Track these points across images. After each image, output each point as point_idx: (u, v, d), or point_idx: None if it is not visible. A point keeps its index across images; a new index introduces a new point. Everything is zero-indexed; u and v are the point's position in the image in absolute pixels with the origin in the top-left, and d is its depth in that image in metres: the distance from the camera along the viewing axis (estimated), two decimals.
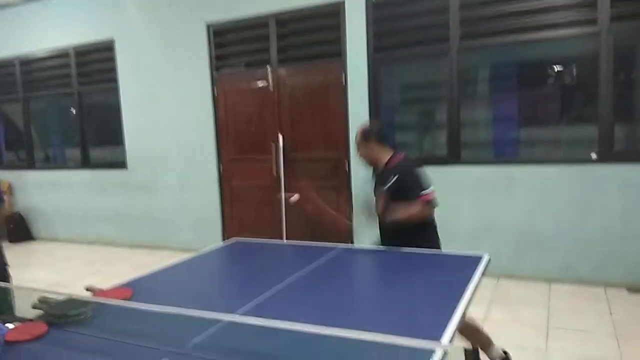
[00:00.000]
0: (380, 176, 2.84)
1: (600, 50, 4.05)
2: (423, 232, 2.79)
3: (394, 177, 2.71)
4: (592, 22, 4.04)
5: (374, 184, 2.92)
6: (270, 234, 5.40)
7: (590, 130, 4.21)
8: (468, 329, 2.68)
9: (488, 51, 4.62)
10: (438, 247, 2.80)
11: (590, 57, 4.18)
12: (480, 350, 2.74)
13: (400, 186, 2.69)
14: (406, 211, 2.66)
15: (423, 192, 2.68)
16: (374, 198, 2.87)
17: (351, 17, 4.85)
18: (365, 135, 2.87)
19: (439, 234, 2.85)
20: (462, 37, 4.48)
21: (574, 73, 4.55)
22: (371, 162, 2.89)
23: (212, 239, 5.57)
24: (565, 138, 4.54)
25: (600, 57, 4.05)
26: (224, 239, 5.74)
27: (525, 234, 4.41)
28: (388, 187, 2.72)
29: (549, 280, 4.33)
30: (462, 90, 4.63)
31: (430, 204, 2.69)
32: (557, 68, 4.51)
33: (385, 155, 2.83)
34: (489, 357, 2.77)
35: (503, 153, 4.73)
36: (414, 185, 2.71)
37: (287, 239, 5.36)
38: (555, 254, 4.31)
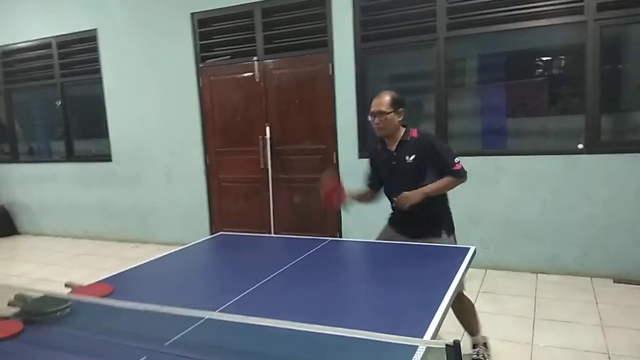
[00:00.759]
0: (397, 150, 2.70)
1: (587, 40, 4.03)
2: (446, 203, 2.79)
3: (421, 147, 2.64)
4: (579, 11, 4.02)
5: (383, 159, 2.79)
6: (259, 227, 5.38)
7: (577, 121, 4.21)
8: (462, 311, 2.68)
9: (475, 41, 4.59)
10: (451, 224, 2.80)
11: (577, 47, 4.17)
12: (466, 333, 2.76)
13: (433, 155, 2.63)
14: (442, 182, 2.62)
15: (455, 159, 2.65)
16: (385, 174, 2.78)
17: (338, 6, 4.79)
18: (397, 103, 2.67)
19: None
20: (449, 27, 4.44)
21: (561, 63, 4.54)
22: (389, 133, 2.70)
23: (199, 232, 5.52)
24: (552, 128, 4.54)
25: (587, 46, 4.04)
26: (211, 233, 5.69)
27: (512, 225, 4.42)
28: (414, 159, 2.63)
29: (536, 270, 4.35)
30: (449, 81, 4.60)
31: (462, 173, 2.65)
32: (544, 58, 4.50)
33: (402, 129, 2.72)
34: (471, 343, 2.78)
35: (491, 144, 4.72)
36: (445, 154, 2.65)
37: (275, 232, 5.33)
38: (542, 245, 4.33)
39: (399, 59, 5.00)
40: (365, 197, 2.96)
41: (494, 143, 4.72)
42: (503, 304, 3.72)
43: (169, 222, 6.02)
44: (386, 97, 2.67)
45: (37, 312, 1.80)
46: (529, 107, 4.69)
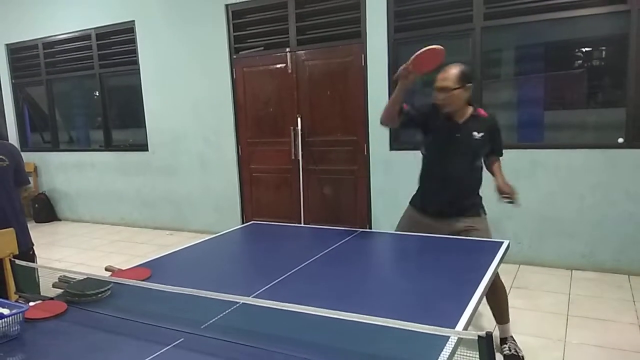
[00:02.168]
0: (465, 124, 2.63)
1: (630, 30, 3.89)
2: (479, 188, 2.79)
3: (489, 127, 2.64)
4: (622, 0, 3.87)
5: (445, 128, 2.65)
6: (289, 217, 5.44)
7: (617, 114, 4.07)
8: (497, 296, 2.67)
9: (513, 31, 4.49)
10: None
11: (619, 38, 4.03)
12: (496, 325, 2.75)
13: (496, 137, 2.70)
14: (499, 166, 2.73)
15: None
16: (442, 144, 2.68)
17: None
18: (465, 78, 2.56)
19: None
20: (486, 17, 4.35)
21: (602, 54, 4.39)
22: (455, 109, 2.60)
23: (231, 221, 5.62)
24: (591, 122, 4.40)
25: (630, 37, 3.90)
26: (242, 222, 5.79)
27: (547, 219, 4.32)
28: (482, 137, 2.63)
29: (571, 267, 4.25)
30: (485, 72, 4.51)
31: None
32: (584, 49, 4.36)
33: (469, 105, 2.65)
34: (500, 336, 2.76)
35: (527, 137, 4.62)
36: (501, 138, 2.74)
37: (304, 222, 5.38)
38: (578, 241, 4.23)
39: None
40: (392, 110, 2.66)
41: (530, 136, 4.61)
42: (536, 299, 3.66)
43: (202, 211, 6.15)
44: (453, 71, 2.54)
45: (80, 293, 1.88)
46: (568, 100, 4.56)
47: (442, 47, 2.46)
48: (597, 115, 4.38)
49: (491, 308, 2.74)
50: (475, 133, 2.61)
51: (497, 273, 2.54)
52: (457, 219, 2.65)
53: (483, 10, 4.35)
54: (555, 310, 3.44)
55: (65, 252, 5.64)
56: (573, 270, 4.21)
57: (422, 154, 2.84)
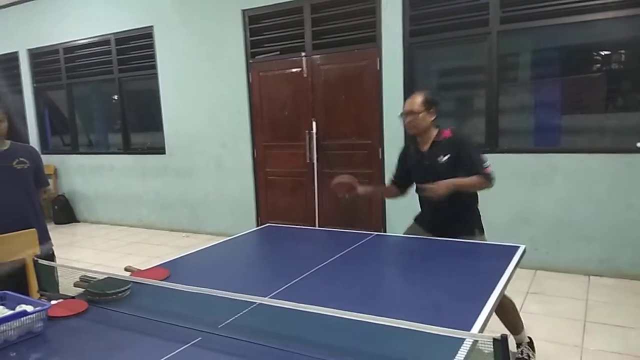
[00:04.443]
0: (429, 150, 2.73)
1: None
2: (476, 205, 2.79)
3: (454, 147, 2.66)
4: None
5: (414, 160, 2.83)
6: (303, 220, 5.46)
7: (636, 118, 4.03)
8: (504, 309, 2.65)
9: (529, 35, 4.46)
10: (481, 224, 2.78)
11: (637, 41, 3.98)
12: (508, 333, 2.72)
13: (463, 157, 2.65)
14: (472, 179, 2.60)
15: (485, 163, 2.64)
16: (419, 176, 2.78)
17: (387, 1, 4.77)
18: (429, 102, 2.70)
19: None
20: (502, 20, 4.34)
21: (620, 58, 4.34)
22: (420, 132, 2.74)
23: (246, 224, 5.66)
24: (609, 126, 4.35)
25: None
26: (257, 225, 5.83)
27: (564, 224, 4.28)
28: (448, 159, 2.65)
29: (588, 272, 4.20)
30: (501, 76, 4.50)
31: (491, 176, 2.64)
32: (602, 53, 4.32)
33: (435, 128, 2.75)
34: (515, 342, 2.74)
35: (544, 141, 4.59)
36: (477, 156, 2.66)
37: (319, 225, 5.39)
38: (596, 246, 4.18)
39: (448, 54, 4.94)
40: (389, 192, 3.12)
41: (547, 140, 4.58)
42: (552, 305, 3.63)
43: (217, 213, 6.21)
44: (418, 98, 2.72)
45: (100, 292, 1.93)
46: (585, 104, 4.52)
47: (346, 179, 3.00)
48: (615, 120, 4.33)
49: (501, 320, 2.72)
50: (440, 157, 2.68)
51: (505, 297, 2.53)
52: (454, 237, 2.69)
53: (499, 14, 4.34)
54: (572, 316, 3.41)
55: (84, 253, 5.74)
56: (590, 276, 4.16)
57: None
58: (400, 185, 2.99)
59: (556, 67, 4.55)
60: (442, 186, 2.53)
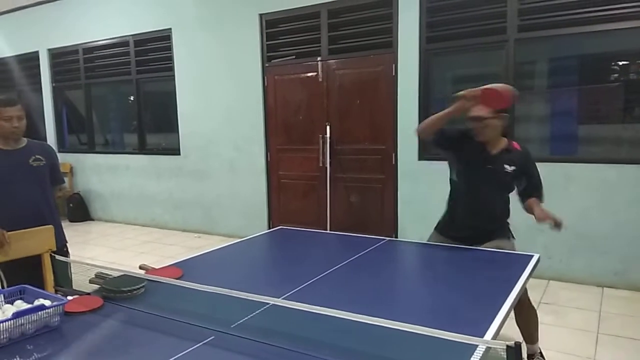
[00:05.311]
0: (499, 156, 2.60)
1: None
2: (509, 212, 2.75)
3: (522, 162, 2.60)
4: None
5: (477, 156, 2.63)
6: (315, 224, 5.46)
7: None
8: (527, 318, 2.63)
9: (547, 43, 4.44)
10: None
11: None
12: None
13: (527, 174, 2.61)
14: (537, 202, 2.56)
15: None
16: (473, 174, 2.65)
17: (404, 7, 4.78)
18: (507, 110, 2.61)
19: None
20: (520, 29, 4.33)
21: (639, 68, 4.30)
22: (489, 139, 2.58)
23: (258, 226, 5.68)
24: (627, 136, 4.30)
25: None
26: (269, 227, 5.85)
27: (579, 235, 4.24)
28: (514, 170, 2.58)
29: (602, 284, 4.15)
30: (518, 84, 4.46)
31: None
32: (620, 62, 4.28)
33: (503, 138, 2.63)
34: (527, 352, 2.71)
35: (560, 150, 4.55)
36: (540, 178, 2.64)
37: (331, 230, 5.39)
38: (611, 258, 4.12)
39: (464, 61, 4.92)
40: (435, 125, 2.61)
41: (563, 149, 4.54)
42: (565, 316, 3.59)
43: (230, 215, 6.24)
44: (506, 90, 2.51)
45: (115, 289, 1.96)
46: (602, 114, 4.47)
47: (514, 93, 2.49)
48: (632, 130, 4.28)
49: (520, 328, 2.70)
50: (507, 166, 2.59)
51: (527, 293, 2.52)
52: (484, 243, 2.64)
53: (517, 22, 4.33)
54: (585, 328, 3.37)
55: (98, 251, 5.80)
56: (604, 288, 4.11)
57: (452, 180, 2.79)
58: (440, 133, 2.64)
59: (573, 76, 4.52)
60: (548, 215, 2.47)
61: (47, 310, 1.66)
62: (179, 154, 6.59)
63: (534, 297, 3.84)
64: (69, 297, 1.93)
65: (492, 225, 2.70)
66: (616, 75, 4.36)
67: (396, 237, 5.08)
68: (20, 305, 1.77)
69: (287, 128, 5.75)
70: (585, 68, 4.47)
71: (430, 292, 2.09)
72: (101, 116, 7.87)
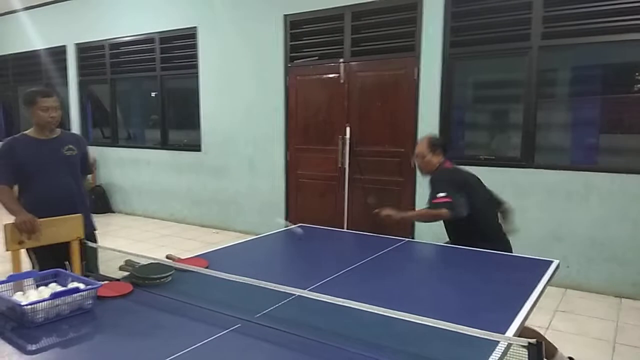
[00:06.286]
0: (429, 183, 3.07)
1: None
2: (476, 233, 2.86)
3: (430, 182, 3.02)
4: None
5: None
6: (332, 224, 5.49)
7: None
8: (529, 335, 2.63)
9: (571, 51, 4.43)
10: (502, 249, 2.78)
11: None
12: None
13: (430, 190, 2.97)
14: (421, 210, 3.00)
15: (438, 194, 2.84)
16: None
17: (429, 11, 4.80)
18: (433, 145, 3.09)
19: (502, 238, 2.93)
20: (544, 36, 4.33)
21: None
22: (427, 171, 3.10)
23: (275, 224, 5.73)
24: None
25: None
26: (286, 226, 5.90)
27: (597, 244, 4.22)
28: (430, 192, 2.96)
29: (620, 295, 4.13)
30: (540, 91, 4.47)
31: (438, 206, 2.81)
32: None
33: (437, 165, 3.06)
34: None
35: (580, 159, 4.53)
36: (434, 189, 2.93)
37: (347, 230, 5.43)
38: (629, 268, 4.10)
39: (487, 66, 4.93)
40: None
41: (584, 158, 4.52)
42: (581, 324, 3.58)
43: (248, 212, 6.32)
44: (423, 142, 3.15)
45: (144, 277, 2.03)
46: (625, 123, 4.44)
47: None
48: None
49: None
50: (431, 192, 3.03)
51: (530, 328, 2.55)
52: None
53: (541, 29, 4.33)
54: (602, 337, 3.36)
55: (119, 243, 5.91)
56: (622, 299, 4.09)
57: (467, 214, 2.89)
58: (457, 204, 2.95)
59: (596, 85, 4.50)
60: (396, 214, 3.05)
61: (81, 293, 1.74)
62: (200, 150, 6.69)
63: (550, 305, 3.86)
64: (100, 283, 2.00)
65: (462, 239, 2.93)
66: (639, 85, 4.33)
67: (412, 238, 5.09)
68: (55, 287, 1.85)
69: (307, 128, 5.81)
70: (608, 77, 4.45)
71: (450, 291, 2.12)
72: (125, 111, 8.03)
